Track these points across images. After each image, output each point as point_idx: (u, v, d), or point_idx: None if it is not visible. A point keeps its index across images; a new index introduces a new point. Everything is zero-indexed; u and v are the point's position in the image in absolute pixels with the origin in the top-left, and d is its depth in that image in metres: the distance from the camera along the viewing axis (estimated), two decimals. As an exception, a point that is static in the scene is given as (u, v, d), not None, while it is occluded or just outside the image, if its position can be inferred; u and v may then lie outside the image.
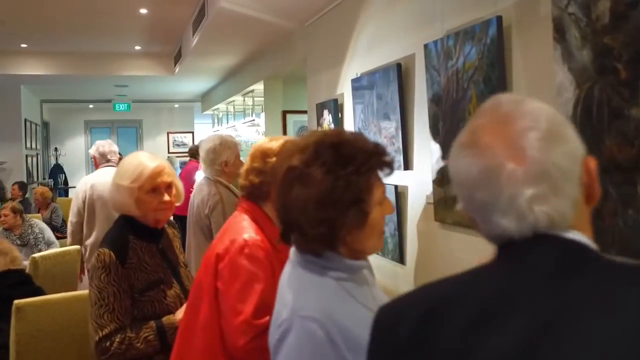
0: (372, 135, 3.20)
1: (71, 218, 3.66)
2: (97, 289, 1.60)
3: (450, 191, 2.59)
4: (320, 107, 4.32)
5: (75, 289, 3.95)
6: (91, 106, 13.23)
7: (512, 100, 0.80)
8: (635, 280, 0.68)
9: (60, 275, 3.77)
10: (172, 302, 1.70)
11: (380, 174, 1.11)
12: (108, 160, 3.86)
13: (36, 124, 11.33)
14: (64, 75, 8.95)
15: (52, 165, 12.61)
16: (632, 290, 0.66)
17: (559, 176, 0.72)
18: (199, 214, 2.83)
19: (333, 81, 4.15)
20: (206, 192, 2.83)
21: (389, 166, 1.12)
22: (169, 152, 13.05)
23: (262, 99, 7.41)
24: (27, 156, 10.34)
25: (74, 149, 13.40)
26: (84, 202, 3.60)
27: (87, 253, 3.66)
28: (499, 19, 2.18)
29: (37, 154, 11.33)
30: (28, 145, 10.41)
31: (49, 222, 5.97)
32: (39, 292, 2.72)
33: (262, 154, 1.56)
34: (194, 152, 7.23)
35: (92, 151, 3.94)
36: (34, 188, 8.00)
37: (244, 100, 8.47)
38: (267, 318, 1.21)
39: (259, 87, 7.19)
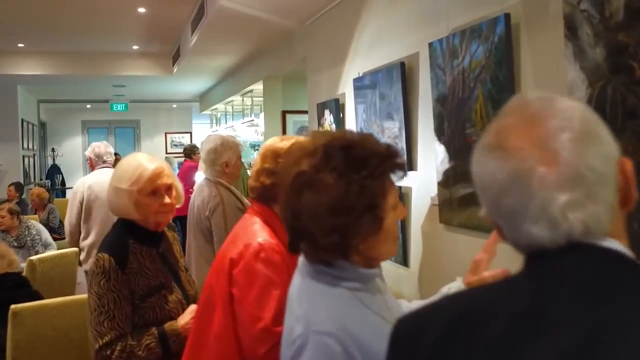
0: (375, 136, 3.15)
1: (69, 219, 3.66)
2: (97, 295, 1.54)
3: (456, 192, 2.54)
4: (321, 107, 4.28)
5: (73, 292, 3.91)
6: (88, 106, 13.16)
7: (541, 98, 0.74)
8: None
9: (58, 278, 3.72)
10: (174, 307, 1.64)
11: (393, 177, 1.06)
12: (104, 162, 3.88)
13: (33, 124, 11.27)
14: (61, 75, 8.89)
15: (49, 166, 12.54)
16: None
17: (594, 180, 0.67)
18: (199, 215, 2.78)
19: (334, 81, 4.10)
20: (207, 194, 2.77)
21: (402, 169, 1.07)
22: (166, 153, 12.98)
23: (261, 98, 7.36)
24: (24, 157, 10.27)
25: (71, 150, 13.32)
26: (81, 203, 3.61)
27: (84, 254, 3.66)
28: (507, 16, 2.13)
29: (34, 154, 11.26)
30: (25, 145, 10.35)
31: (46, 224, 5.91)
32: (37, 296, 2.67)
33: (274, 154, 1.50)
34: (189, 152, 7.18)
35: (88, 152, 3.96)
36: (30, 189, 7.94)
37: (243, 100, 8.42)
38: None
39: (258, 87, 7.14)
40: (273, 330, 1.33)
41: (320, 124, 4.30)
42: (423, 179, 2.81)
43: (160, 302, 1.61)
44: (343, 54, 3.91)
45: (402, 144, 2.96)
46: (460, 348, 0.69)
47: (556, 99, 0.74)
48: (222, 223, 2.71)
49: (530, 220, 0.69)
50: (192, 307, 1.66)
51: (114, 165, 4.37)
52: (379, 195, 1.01)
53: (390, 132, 3.10)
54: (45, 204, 6.64)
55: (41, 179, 11.64)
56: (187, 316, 1.63)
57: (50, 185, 11.34)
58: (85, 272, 3.61)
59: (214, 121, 10.98)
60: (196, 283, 1.90)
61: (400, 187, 2.95)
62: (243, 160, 3.58)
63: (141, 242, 1.65)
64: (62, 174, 12.26)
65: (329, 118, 4.12)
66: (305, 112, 5.41)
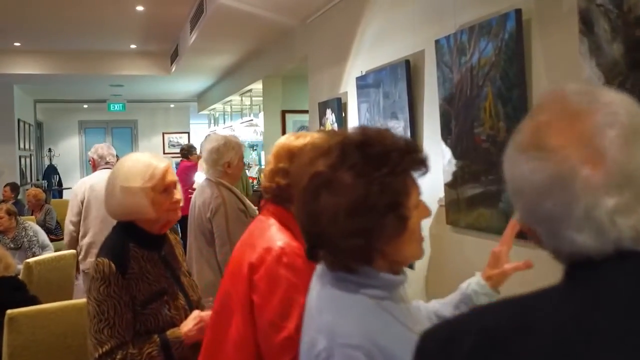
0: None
1: (70, 217, 3.70)
2: (96, 302, 1.48)
3: (463, 193, 2.48)
4: (323, 106, 4.22)
5: (71, 295, 3.85)
6: (85, 106, 13.08)
7: (581, 91, 0.68)
8: None
9: (55, 280, 3.65)
10: (177, 314, 1.57)
11: (414, 173, 0.99)
12: (107, 163, 3.94)
13: (30, 124, 11.19)
14: (58, 74, 8.81)
15: (46, 166, 12.45)
16: None
17: None
18: (200, 217, 2.72)
19: (336, 79, 4.04)
20: (208, 195, 2.71)
21: (424, 164, 0.99)
22: (164, 153, 12.90)
23: (260, 98, 7.30)
24: (20, 157, 10.19)
25: (68, 150, 13.23)
26: (82, 202, 3.67)
27: (82, 252, 3.70)
28: (518, 12, 2.08)
29: (30, 154, 11.18)
30: (21, 145, 10.27)
31: (42, 224, 5.84)
32: (34, 300, 2.60)
33: (288, 153, 1.43)
34: (186, 152, 7.12)
35: (91, 153, 4.02)
36: (27, 189, 7.87)
37: (242, 100, 8.36)
38: None
39: (257, 86, 7.08)
40: (296, 339, 1.25)
41: (321, 124, 4.24)
42: (429, 180, 2.73)
43: (162, 308, 1.54)
44: (345, 52, 3.85)
45: (407, 144, 2.90)
46: None
47: (598, 91, 0.68)
48: (223, 225, 2.65)
49: (574, 226, 0.63)
50: (196, 314, 1.60)
51: None
52: (402, 193, 0.94)
53: (394, 132, 3.04)
54: (42, 204, 6.57)
55: (38, 180, 11.56)
56: (190, 323, 1.57)
57: (47, 185, 11.25)
58: (84, 271, 3.67)
59: (212, 121, 10.91)
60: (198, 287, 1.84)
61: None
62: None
63: (142, 246, 1.59)
64: (59, 174, 12.17)
65: (330, 117, 4.07)
66: (306, 111, 5.35)
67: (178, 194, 1.66)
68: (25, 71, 8.62)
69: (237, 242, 2.64)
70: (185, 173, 6.49)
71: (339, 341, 0.90)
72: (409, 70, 2.93)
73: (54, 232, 6.26)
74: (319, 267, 1.05)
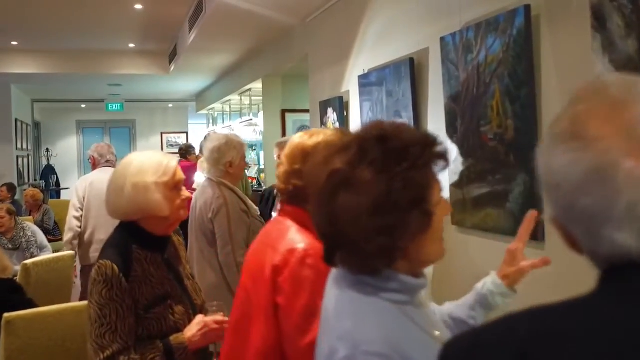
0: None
1: (72, 213, 3.79)
2: (98, 305, 1.42)
3: (470, 193, 2.44)
4: (324, 105, 4.18)
5: (69, 297, 3.80)
6: (83, 106, 13.01)
7: (622, 80, 0.64)
8: None
9: (54, 282, 3.59)
10: (180, 319, 1.52)
11: (435, 168, 0.94)
12: (107, 161, 4.02)
13: (27, 124, 11.11)
14: (55, 73, 8.75)
15: (44, 167, 12.38)
16: None
17: None
18: (201, 217, 2.67)
19: (338, 78, 4.00)
20: (209, 195, 2.66)
21: (444, 158, 0.94)
22: (162, 153, 12.82)
23: (260, 97, 7.25)
24: (17, 157, 10.12)
25: (65, 150, 13.16)
26: (84, 197, 3.78)
27: (79, 249, 3.81)
28: (527, 8, 2.04)
29: (28, 154, 11.11)
30: (19, 145, 10.19)
31: (40, 225, 5.78)
32: (31, 303, 2.54)
33: (303, 153, 1.39)
34: (184, 152, 7.07)
35: (91, 152, 4.11)
36: (24, 190, 7.80)
37: (241, 99, 8.30)
38: None
39: (256, 85, 7.03)
40: None
41: (323, 123, 4.20)
42: (434, 179, 2.71)
43: (166, 312, 1.49)
44: (347, 51, 3.81)
45: (411, 143, 2.86)
46: None
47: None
48: (225, 225, 2.60)
49: (614, 224, 0.58)
50: (200, 319, 1.54)
51: (115, 165, 4.47)
52: (426, 188, 0.90)
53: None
54: (40, 205, 6.51)
55: (35, 180, 11.49)
56: (194, 328, 1.51)
57: (45, 186, 11.18)
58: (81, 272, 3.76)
59: (211, 121, 10.86)
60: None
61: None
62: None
63: (146, 248, 1.53)
64: (56, 174, 12.10)
65: (332, 116, 4.02)
66: (306, 111, 5.31)
67: (186, 192, 1.63)
68: (22, 70, 8.55)
69: (238, 243, 2.65)
70: (185, 173, 6.43)
71: (361, 349, 0.85)
72: (413, 68, 2.89)
73: (52, 232, 6.21)
74: (335, 271, 1.00)
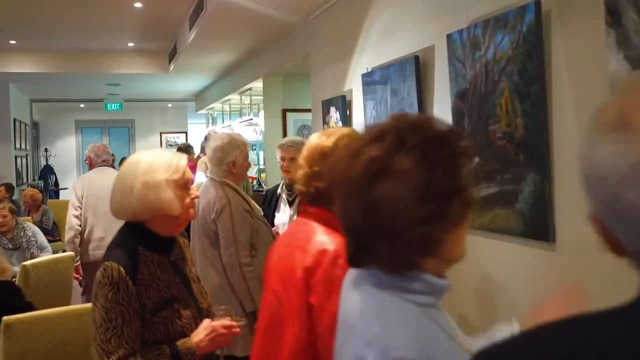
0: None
1: (72, 212, 3.84)
2: (104, 309, 1.38)
3: (477, 193, 2.40)
4: (327, 104, 4.13)
5: (69, 299, 3.76)
6: (82, 106, 12.95)
7: None
8: None
9: (53, 284, 3.55)
10: (187, 323, 1.47)
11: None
12: (104, 161, 4.08)
13: (26, 124, 11.07)
14: (54, 73, 8.70)
15: (42, 167, 12.32)
16: None
17: None
18: (204, 218, 2.62)
19: (340, 77, 3.95)
20: (212, 195, 2.61)
21: (468, 155, 0.90)
22: (162, 153, 12.76)
23: (260, 97, 7.21)
24: (16, 157, 10.07)
25: (64, 150, 13.11)
26: (82, 196, 3.84)
27: (80, 247, 3.86)
28: (537, 3, 1.99)
29: (26, 154, 11.06)
30: (17, 145, 10.15)
31: (39, 225, 5.74)
32: (30, 307, 2.49)
33: (321, 155, 1.37)
34: (183, 152, 7.03)
35: (87, 152, 4.20)
36: (23, 190, 7.75)
37: (241, 98, 8.25)
38: None
39: (257, 84, 6.98)
40: None
41: (325, 122, 4.16)
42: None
43: (173, 316, 1.45)
44: (350, 49, 3.76)
45: (416, 142, 2.82)
46: None
47: None
48: (229, 226, 2.56)
49: None
50: (207, 323, 1.50)
51: (112, 165, 4.49)
52: (465, 176, 0.87)
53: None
54: (39, 205, 6.48)
55: (34, 180, 11.44)
56: (201, 333, 1.47)
57: (44, 186, 11.14)
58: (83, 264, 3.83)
59: (210, 121, 10.81)
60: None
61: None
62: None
63: (152, 249, 1.49)
64: (55, 174, 12.05)
65: (334, 115, 3.98)
66: (307, 110, 5.27)
67: (194, 191, 1.59)
68: (21, 70, 8.50)
69: (242, 243, 2.60)
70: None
71: (393, 355, 0.81)
72: (418, 66, 2.85)
73: (51, 232, 6.17)
74: (352, 272, 0.96)
